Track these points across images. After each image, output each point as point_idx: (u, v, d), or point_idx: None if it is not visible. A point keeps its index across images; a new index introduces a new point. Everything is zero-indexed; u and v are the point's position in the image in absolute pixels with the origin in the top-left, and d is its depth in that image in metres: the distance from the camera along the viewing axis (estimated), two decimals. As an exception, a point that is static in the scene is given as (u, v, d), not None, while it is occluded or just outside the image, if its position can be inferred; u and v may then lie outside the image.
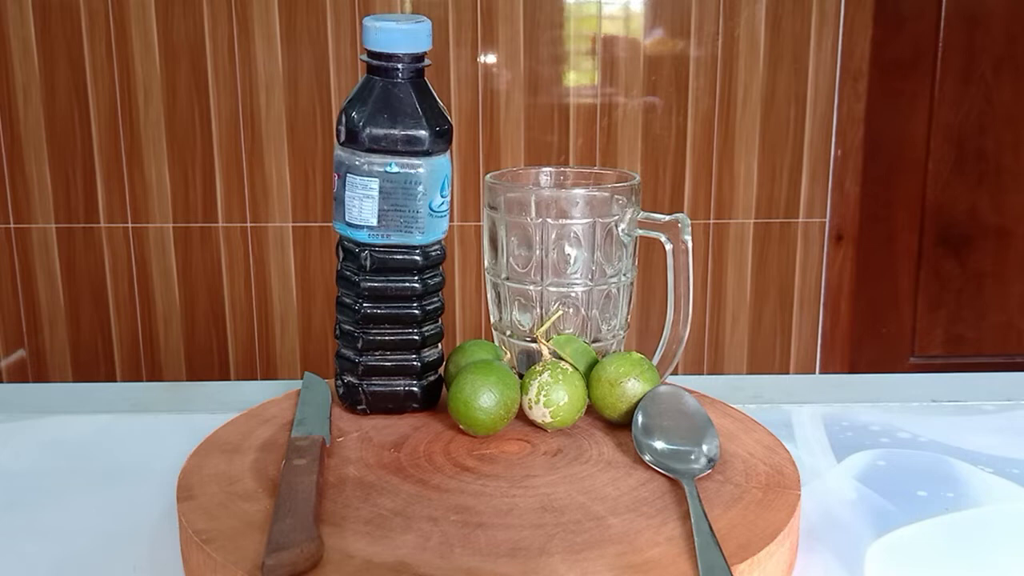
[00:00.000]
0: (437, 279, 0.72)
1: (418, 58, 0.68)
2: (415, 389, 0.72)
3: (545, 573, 0.53)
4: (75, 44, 2.20)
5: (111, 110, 2.24)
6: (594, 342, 0.74)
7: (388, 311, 0.71)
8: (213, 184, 2.28)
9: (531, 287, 0.73)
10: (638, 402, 0.68)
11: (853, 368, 2.46)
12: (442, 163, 0.69)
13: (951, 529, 0.65)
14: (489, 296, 0.77)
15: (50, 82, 2.22)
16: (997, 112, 2.42)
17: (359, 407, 0.72)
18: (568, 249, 0.72)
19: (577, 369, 0.71)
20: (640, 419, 0.67)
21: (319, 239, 2.32)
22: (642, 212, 0.73)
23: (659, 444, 0.65)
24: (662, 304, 0.73)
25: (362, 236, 0.69)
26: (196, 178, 2.28)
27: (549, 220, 0.71)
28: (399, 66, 0.68)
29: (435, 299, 0.72)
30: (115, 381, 2.34)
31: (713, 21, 2.24)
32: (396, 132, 0.67)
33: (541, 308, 0.73)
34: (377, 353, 0.71)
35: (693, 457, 0.64)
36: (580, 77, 2.28)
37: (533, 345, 0.73)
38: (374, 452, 0.66)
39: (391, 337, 0.71)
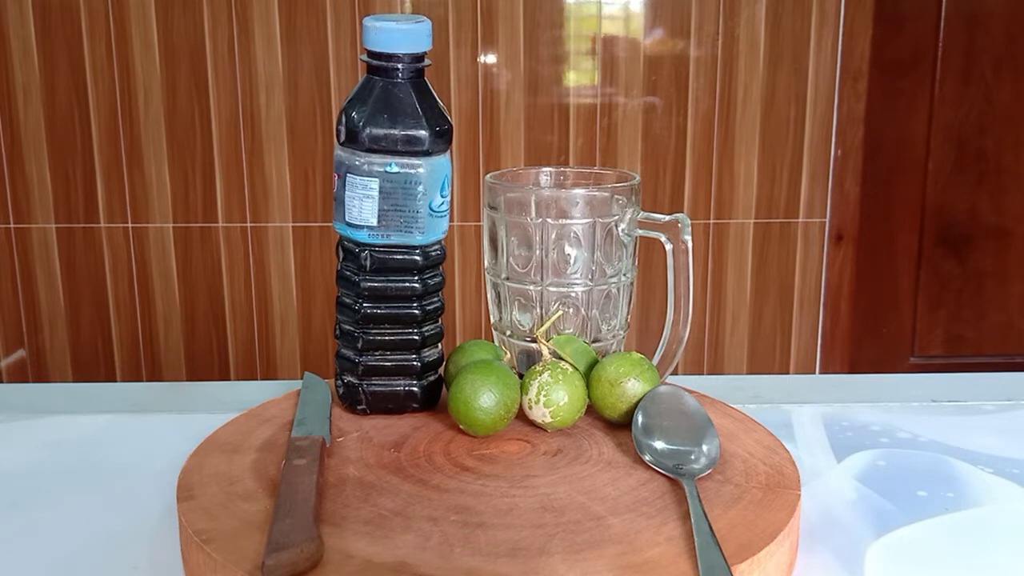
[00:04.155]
0: (437, 279, 0.72)
1: (418, 58, 0.68)
2: (415, 389, 0.72)
3: (545, 573, 0.53)
4: (75, 44, 2.20)
5: (111, 110, 2.24)
6: (594, 342, 0.74)
7: (388, 311, 0.71)
8: (213, 184, 2.28)
9: (531, 287, 0.73)
10: (638, 402, 0.68)
11: (853, 368, 2.46)
12: (442, 163, 0.69)
13: (951, 529, 0.65)
14: (489, 296, 0.77)
15: (50, 82, 2.22)
16: (997, 112, 2.42)
17: (359, 407, 0.72)
18: (568, 249, 0.72)
19: (577, 369, 0.71)
20: (640, 419, 0.67)
21: (319, 239, 2.32)
22: (642, 212, 0.73)
23: (659, 444, 0.65)
24: (662, 304, 0.73)
25: (362, 236, 0.69)
26: (196, 178, 2.28)
27: (549, 220, 0.71)
28: (399, 66, 0.68)
29: (435, 299, 0.72)
30: (115, 381, 2.34)
31: (713, 21, 2.24)
32: (396, 132, 0.67)
33: (541, 308, 0.73)
34: (377, 353, 0.71)
35: (693, 457, 0.64)
36: (580, 77, 2.28)
37: (533, 345, 0.73)
38: (374, 452, 0.66)
39: (391, 337, 0.71)
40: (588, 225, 0.72)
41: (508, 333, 0.75)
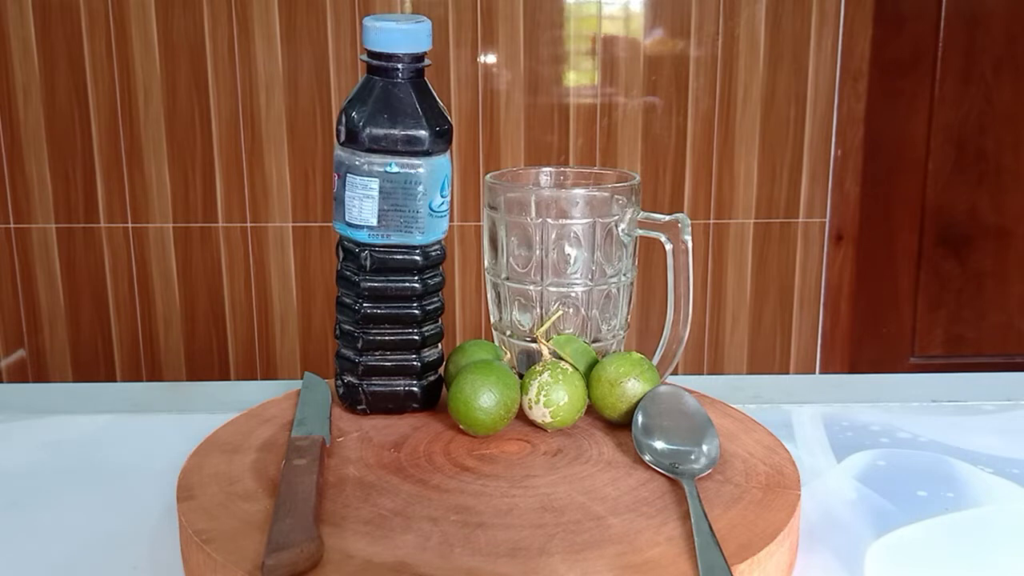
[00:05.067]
0: (437, 279, 0.72)
1: (418, 58, 0.68)
2: (415, 389, 0.72)
3: (545, 573, 0.53)
4: (75, 44, 2.20)
5: (111, 110, 2.24)
6: (594, 342, 0.74)
7: (388, 311, 0.71)
8: (213, 184, 2.28)
9: (531, 287, 0.73)
10: (638, 402, 0.68)
11: (853, 368, 2.46)
12: (442, 163, 0.69)
13: (951, 529, 0.65)
14: (489, 296, 0.77)
15: (50, 82, 2.22)
16: (997, 112, 2.42)
17: (359, 407, 0.72)
18: (568, 249, 0.72)
19: (577, 369, 0.71)
20: (640, 419, 0.67)
21: (319, 239, 2.32)
22: (642, 212, 0.73)
23: (659, 444, 0.65)
24: (662, 304, 0.73)
25: (362, 236, 0.69)
26: (196, 178, 2.28)
27: (549, 220, 0.71)
28: (399, 66, 0.68)
29: (435, 299, 0.72)
30: (115, 381, 2.34)
31: (713, 21, 2.24)
32: (396, 132, 0.67)
33: (541, 308, 0.73)
34: (377, 353, 0.71)
35: (693, 457, 0.64)
36: (580, 77, 2.28)
37: (533, 345, 0.73)
38: (374, 452, 0.66)
39: (391, 337, 0.71)
40: (588, 225, 0.72)
41: (508, 333, 0.75)
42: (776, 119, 2.29)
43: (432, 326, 0.72)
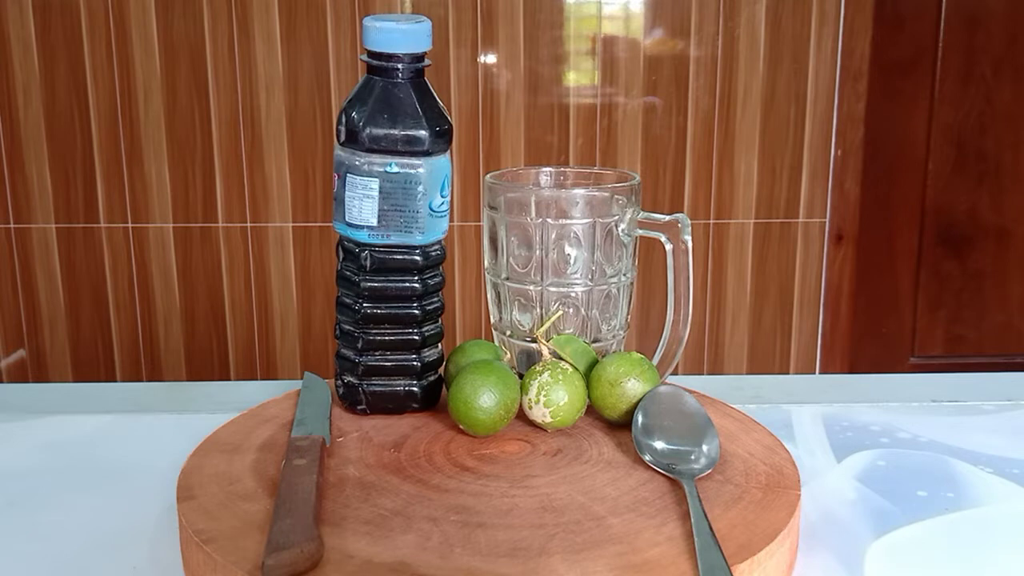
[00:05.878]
0: (437, 279, 0.72)
1: (418, 58, 0.68)
2: (415, 389, 0.72)
3: (545, 573, 0.53)
4: (75, 44, 2.20)
5: (111, 110, 2.24)
6: (594, 342, 0.74)
7: (388, 311, 0.71)
8: (213, 184, 2.28)
9: (531, 287, 0.73)
10: (638, 402, 0.68)
11: (853, 368, 2.46)
12: (442, 163, 0.69)
13: (951, 529, 0.65)
14: (489, 296, 0.77)
15: (50, 82, 2.22)
16: (997, 112, 2.42)
17: (359, 407, 0.72)
18: (568, 249, 0.72)
19: (577, 369, 0.71)
20: (640, 419, 0.67)
21: (319, 239, 2.32)
22: (642, 212, 0.73)
23: (659, 444, 0.65)
24: (662, 304, 0.73)
25: (362, 236, 0.69)
26: (196, 178, 2.28)
27: (549, 220, 0.71)
28: (399, 66, 0.68)
29: (435, 299, 0.72)
30: (115, 381, 2.34)
31: (713, 21, 2.24)
32: (396, 132, 0.67)
33: (541, 308, 0.73)
34: (377, 353, 0.71)
35: (693, 457, 0.64)
36: (580, 77, 2.28)
37: (533, 345, 0.73)
38: (374, 452, 0.66)
39: (391, 337, 0.71)
40: (588, 225, 0.72)
41: (508, 333, 0.75)
42: (776, 119, 2.29)
43: (432, 326, 0.72)
